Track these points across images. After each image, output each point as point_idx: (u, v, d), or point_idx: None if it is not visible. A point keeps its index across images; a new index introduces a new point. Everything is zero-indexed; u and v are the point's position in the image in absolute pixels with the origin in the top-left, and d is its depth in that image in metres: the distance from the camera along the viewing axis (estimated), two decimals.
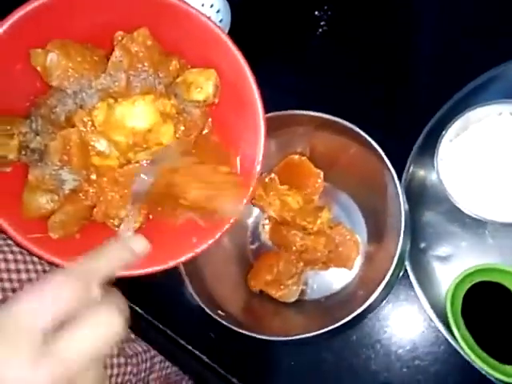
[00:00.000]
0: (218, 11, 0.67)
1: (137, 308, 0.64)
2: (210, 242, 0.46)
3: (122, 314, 0.31)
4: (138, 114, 0.44)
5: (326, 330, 0.52)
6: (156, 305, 0.66)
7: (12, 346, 0.28)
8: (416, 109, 0.63)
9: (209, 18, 0.46)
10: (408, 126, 0.62)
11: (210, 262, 0.59)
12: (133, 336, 0.63)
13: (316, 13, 0.68)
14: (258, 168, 0.46)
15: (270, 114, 0.57)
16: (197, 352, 0.64)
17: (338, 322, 0.52)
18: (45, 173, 0.43)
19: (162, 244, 0.47)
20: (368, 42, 0.67)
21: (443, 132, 0.54)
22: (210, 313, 0.54)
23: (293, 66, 0.69)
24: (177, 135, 0.48)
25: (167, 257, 0.46)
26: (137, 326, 0.63)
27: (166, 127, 0.46)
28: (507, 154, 0.53)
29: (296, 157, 0.62)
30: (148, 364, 0.61)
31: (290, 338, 0.52)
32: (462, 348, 0.53)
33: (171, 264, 0.47)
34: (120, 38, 0.46)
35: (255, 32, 0.69)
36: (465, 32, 0.64)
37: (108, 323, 0.30)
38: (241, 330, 0.52)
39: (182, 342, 0.64)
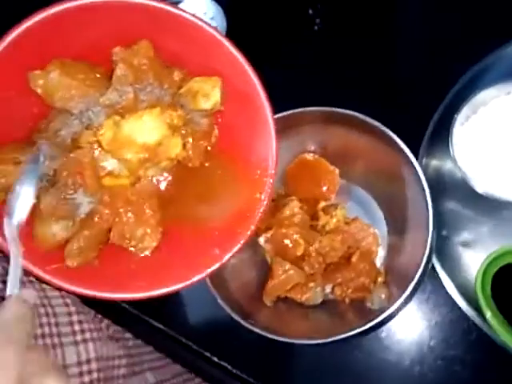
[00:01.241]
0: (211, 18, 0.65)
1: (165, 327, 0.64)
2: (235, 249, 0.45)
3: None
4: (148, 129, 0.43)
5: (357, 331, 0.50)
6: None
7: None
8: (422, 98, 0.62)
9: (208, 23, 0.44)
10: (415, 116, 0.61)
11: (235, 274, 0.58)
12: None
13: (310, 11, 0.67)
14: (272, 177, 0.44)
15: (276, 116, 0.56)
16: (224, 363, 0.62)
17: (369, 321, 0.51)
18: (57, 199, 0.41)
19: (185, 260, 0.46)
20: (366, 34, 0.67)
21: (455, 116, 0.53)
22: (242, 322, 0.53)
23: (294, 65, 0.67)
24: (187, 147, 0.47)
25: (192, 272, 0.45)
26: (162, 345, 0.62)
27: (174, 140, 0.45)
28: None
29: (309, 156, 0.61)
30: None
31: (319, 341, 0.51)
32: (496, 332, 0.52)
33: (200, 277, 0.45)
34: (120, 53, 0.44)
35: (251, 35, 0.67)
36: (464, 15, 0.64)
37: None
38: (272, 336, 0.51)
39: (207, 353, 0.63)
